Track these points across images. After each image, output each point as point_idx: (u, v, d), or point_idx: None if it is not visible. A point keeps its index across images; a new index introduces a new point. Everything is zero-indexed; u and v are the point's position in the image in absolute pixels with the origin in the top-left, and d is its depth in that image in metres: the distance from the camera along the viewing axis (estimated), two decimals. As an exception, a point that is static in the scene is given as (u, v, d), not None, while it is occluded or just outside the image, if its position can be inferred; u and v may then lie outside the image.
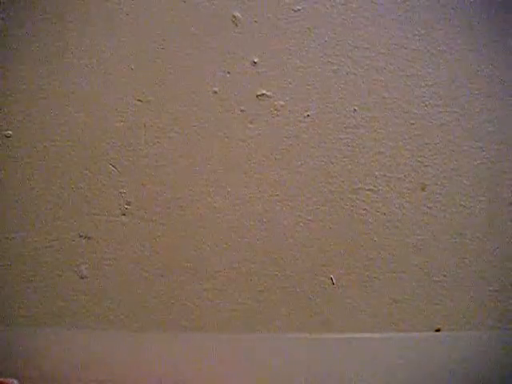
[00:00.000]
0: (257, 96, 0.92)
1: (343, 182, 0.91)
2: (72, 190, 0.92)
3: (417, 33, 0.92)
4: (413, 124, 0.92)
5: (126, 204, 0.92)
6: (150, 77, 0.92)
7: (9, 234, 0.92)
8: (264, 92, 0.92)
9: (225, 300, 0.91)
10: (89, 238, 0.92)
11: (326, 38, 0.92)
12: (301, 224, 0.91)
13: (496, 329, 0.90)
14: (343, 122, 0.92)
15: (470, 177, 0.92)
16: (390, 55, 0.92)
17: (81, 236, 0.92)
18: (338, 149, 0.92)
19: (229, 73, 0.92)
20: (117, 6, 0.92)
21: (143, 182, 0.92)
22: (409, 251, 0.91)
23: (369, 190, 0.91)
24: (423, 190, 0.92)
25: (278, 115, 0.92)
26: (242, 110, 0.92)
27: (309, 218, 0.91)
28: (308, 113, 0.92)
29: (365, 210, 0.91)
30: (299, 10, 0.92)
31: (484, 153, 0.92)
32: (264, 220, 0.91)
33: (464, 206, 0.91)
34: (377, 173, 0.92)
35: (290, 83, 0.92)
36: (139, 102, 0.92)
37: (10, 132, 0.92)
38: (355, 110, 0.92)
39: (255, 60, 0.92)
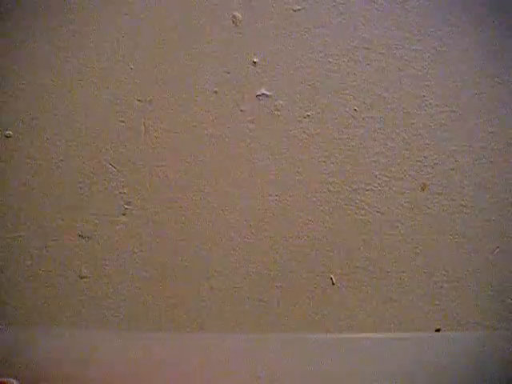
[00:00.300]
0: (257, 96, 0.92)
1: (343, 181, 0.91)
2: (72, 190, 0.92)
3: (417, 33, 0.92)
4: (413, 124, 0.92)
5: (126, 204, 0.92)
6: (150, 77, 0.92)
7: (9, 233, 0.92)
8: (264, 92, 0.92)
9: (225, 300, 0.91)
10: (89, 237, 0.92)
11: (326, 38, 0.92)
12: (301, 224, 0.91)
13: (495, 329, 0.90)
14: (343, 122, 0.92)
15: (470, 177, 0.92)
16: (390, 55, 0.92)
17: (81, 236, 0.92)
18: (338, 149, 0.92)
19: (229, 73, 0.92)
20: (116, 6, 0.92)
21: (143, 182, 0.92)
22: (409, 251, 0.91)
23: (369, 189, 0.91)
24: (423, 190, 0.92)
25: (278, 115, 0.92)
26: (241, 110, 0.92)
27: (309, 218, 0.91)
28: (308, 113, 0.92)
29: (365, 210, 0.91)
30: (299, 9, 0.92)
31: (484, 153, 0.92)
32: (264, 220, 0.91)
33: (464, 206, 0.91)
34: (377, 173, 0.92)
35: (290, 83, 0.92)
36: (139, 102, 0.92)
37: (10, 132, 0.92)
38: (355, 109, 0.92)
39: (255, 60, 0.92)
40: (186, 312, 0.90)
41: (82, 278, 0.91)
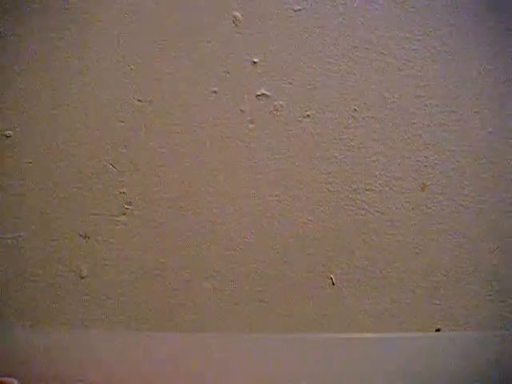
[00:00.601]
0: (257, 96, 0.92)
1: (343, 181, 0.91)
2: (72, 189, 0.92)
3: (417, 33, 0.92)
4: (413, 124, 0.92)
5: (126, 204, 0.92)
6: (150, 77, 0.92)
7: (9, 234, 0.92)
8: (264, 92, 0.92)
9: (225, 300, 0.91)
10: (89, 237, 0.92)
11: (326, 38, 0.92)
12: (301, 224, 0.91)
13: (496, 329, 0.90)
14: (343, 122, 0.92)
15: (470, 177, 0.92)
16: (390, 55, 0.92)
17: (81, 236, 0.92)
18: (338, 149, 0.92)
19: (228, 73, 0.92)
20: (116, 6, 0.92)
21: (143, 182, 0.92)
22: (409, 251, 0.91)
23: (369, 189, 0.91)
24: (423, 190, 0.92)
25: (278, 115, 0.92)
26: (241, 110, 0.92)
27: (309, 217, 0.91)
28: (308, 113, 0.92)
29: (365, 209, 0.91)
30: (299, 9, 0.92)
31: (484, 153, 0.92)
32: (264, 220, 0.91)
33: (464, 206, 0.91)
34: (377, 173, 0.92)
35: (290, 83, 0.92)
36: (139, 102, 0.92)
37: (10, 132, 0.92)
38: (355, 109, 0.92)
39: (255, 60, 0.92)
40: (186, 312, 0.91)
41: (82, 278, 0.91)
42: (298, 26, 0.92)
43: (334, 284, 0.91)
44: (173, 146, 0.92)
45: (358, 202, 0.91)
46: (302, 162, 0.92)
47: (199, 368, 0.87)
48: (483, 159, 0.92)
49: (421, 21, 0.92)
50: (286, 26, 0.92)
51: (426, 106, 0.92)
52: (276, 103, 0.92)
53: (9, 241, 0.92)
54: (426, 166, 0.92)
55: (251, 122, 0.92)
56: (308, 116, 0.92)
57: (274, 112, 0.92)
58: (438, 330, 0.90)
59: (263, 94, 0.92)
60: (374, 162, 0.92)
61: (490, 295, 0.91)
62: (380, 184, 0.92)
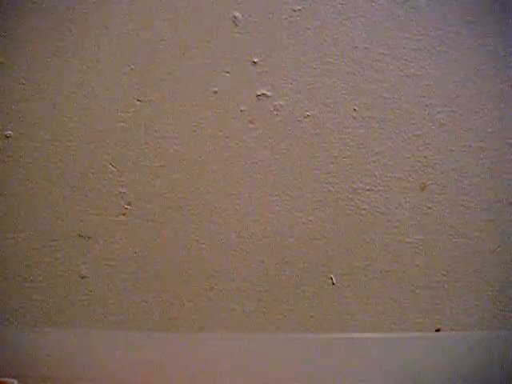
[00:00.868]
0: (257, 96, 0.92)
1: (343, 181, 0.91)
2: (72, 189, 0.92)
3: (417, 33, 0.92)
4: (413, 124, 0.92)
5: (126, 204, 0.92)
6: (150, 77, 0.92)
7: (9, 233, 0.92)
8: (264, 92, 0.92)
9: (225, 300, 0.91)
10: (89, 237, 0.92)
11: (326, 38, 0.92)
12: (301, 224, 0.91)
13: (496, 329, 0.90)
14: (343, 122, 0.92)
15: (470, 177, 0.92)
16: (390, 55, 0.92)
17: (81, 236, 0.92)
18: (338, 149, 0.92)
19: (229, 73, 0.92)
20: (116, 6, 0.92)
21: (143, 182, 0.92)
22: (409, 251, 0.91)
23: (369, 189, 0.91)
24: (423, 190, 0.92)
25: (278, 115, 0.92)
26: (241, 110, 0.92)
27: (309, 218, 0.91)
28: (308, 113, 0.92)
29: (365, 209, 0.91)
30: (299, 10, 0.92)
31: (484, 153, 0.92)
32: (264, 220, 0.91)
33: (464, 206, 0.91)
34: (377, 173, 0.92)
35: (290, 83, 0.92)
36: (139, 102, 0.92)
37: (10, 132, 0.92)
38: (355, 109, 0.92)
39: (255, 60, 0.92)
40: (186, 312, 0.91)
41: (82, 277, 0.91)
42: (298, 26, 0.92)
43: (334, 284, 0.91)
44: (173, 146, 0.92)
45: (357, 202, 0.91)
46: (302, 162, 0.92)
47: (199, 368, 0.87)
48: (483, 159, 0.92)
49: (421, 21, 0.92)
50: (286, 26, 0.92)
51: (426, 106, 0.92)
52: (276, 103, 0.92)
53: (9, 241, 0.92)
54: (425, 166, 0.92)
55: (251, 121, 0.92)
56: (308, 116, 0.92)
57: (274, 112, 0.92)
58: (437, 330, 0.90)
59: (263, 94, 0.92)
60: (374, 162, 0.92)
61: (489, 295, 0.91)
62: (380, 184, 0.92)
